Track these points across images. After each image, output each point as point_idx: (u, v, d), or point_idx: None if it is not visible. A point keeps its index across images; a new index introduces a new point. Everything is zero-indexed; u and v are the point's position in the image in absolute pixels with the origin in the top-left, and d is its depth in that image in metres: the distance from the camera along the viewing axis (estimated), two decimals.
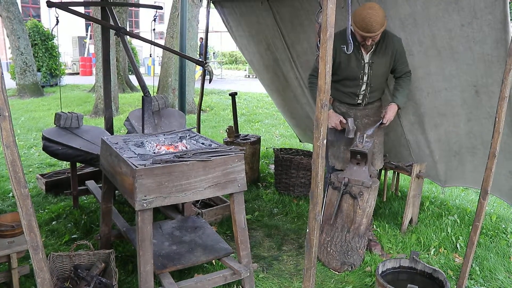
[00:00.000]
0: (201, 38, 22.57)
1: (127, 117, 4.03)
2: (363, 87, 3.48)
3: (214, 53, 27.81)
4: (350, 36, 2.02)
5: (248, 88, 15.74)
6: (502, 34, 2.90)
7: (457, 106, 3.61)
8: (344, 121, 3.46)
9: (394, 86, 3.59)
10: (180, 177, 2.37)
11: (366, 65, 3.38)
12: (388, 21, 3.43)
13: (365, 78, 3.44)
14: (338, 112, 3.56)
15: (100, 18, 4.18)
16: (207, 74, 4.36)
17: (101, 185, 3.32)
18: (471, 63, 3.24)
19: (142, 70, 21.73)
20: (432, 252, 3.59)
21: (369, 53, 3.35)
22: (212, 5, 5.27)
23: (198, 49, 21.92)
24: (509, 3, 2.82)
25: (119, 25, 3.93)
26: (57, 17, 3.78)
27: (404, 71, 3.51)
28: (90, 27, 20.25)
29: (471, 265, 3.24)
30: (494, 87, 3.16)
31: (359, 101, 3.55)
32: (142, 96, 3.42)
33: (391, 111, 3.47)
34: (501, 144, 3.29)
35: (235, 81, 20.25)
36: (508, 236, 3.90)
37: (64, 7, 3.71)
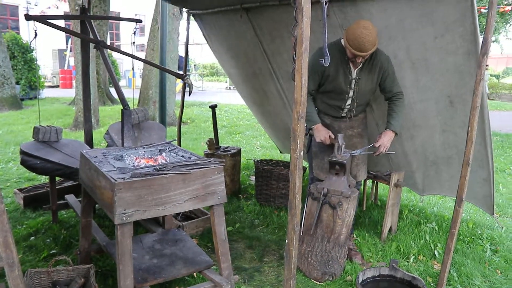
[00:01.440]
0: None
1: (107, 130, 4.01)
2: (349, 102, 3.51)
3: (195, 65, 27.85)
4: (327, 50, 2.07)
5: (229, 100, 15.79)
6: (473, 45, 2.99)
7: (432, 117, 3.69)
8: (333, 136, 3.46)
9: (388, 111, 3.56)
10: (160, 190, 2.37)
11: (353, 80, 3.40)
12: None
13: (351, 93, 3.46)
14: (322, 124, 3.59)
15: (79, 32, 4.18)
16: (187, 86, 4.38)
17: (80, 199, 3.30)
18: (445, 74, 3.32)
19: (123, 82, 21.66)
20: (411, 260, 3.64)
21: (357, 69, 3.37)
22: (192, 17, 5.30)
23: (193, 62, 21.99)
24: (478, 16, 2.91)
25: (99, 38, 3.94)
26: (35, 30, 3.76)
27: (395, 91, 3.50)
28: (70, 39, 20.13)
29: (449, 271, 3.31)
30: (468, 97, 3.23)
31: (343, 114, 3.60)
32: (122, 109, 3.41)
33: (386, 138, 3.45)
34: (475, 152, 3.38)
35: (216, 93, 20.30)
36: (484, 242, 3.98)
37: (42, 20, 3.71)
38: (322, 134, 3.46)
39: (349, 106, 3.54)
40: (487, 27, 2.55)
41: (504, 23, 23.06)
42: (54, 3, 18.78)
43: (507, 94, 22.74)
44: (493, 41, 27.95)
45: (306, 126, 3.42)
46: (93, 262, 3.25)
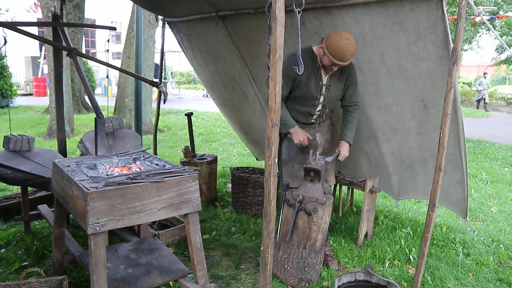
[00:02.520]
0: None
1: (81, 139, 3.96)
2: (319, 108, 3.59)
3: (172, 73, 27.74)
4: (300, 57, 2.09)
5: (206, 107, 15.76)
6: (444, 51, 3.07)
7: (407, 120, 3.77)
8: (311, 137, 3.52)
9: (343, 121, 3.70)
10: (133, 199, 2.35)
11: (323, 86, 3.48)
12: None
13: (321, 99, 3.54)
14: (284, 135, 3.64)
15: (51, 39, 4.12)
16: (162, 94, 4.36)
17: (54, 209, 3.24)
18: (418, 79, 3.40)
19: (99, 90, 21.41)
20: (386, 265, 3.68)
21: (327, 76, 3.46)
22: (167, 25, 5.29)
23: (170, 70, 21.89)
24: (448, 23, 2.98)
25: (71, 45, 3.89)
26: (5, 37, 3.70)
27: (353, 100, 3.65)
28: (44, 46, 19.81)
29: (423, 275, 3.36)
30: (441, 101, 3.29)
31: (312, 121, 3.66)
32: (95, 118, 3.38)
33: (344, 149, 3.60)
34: (449, 155, 3.46)
35: (193, 100, 20.24)
36: (456, 246, 4.05)
37: (12, 26, 3.64)
38: (300, 135, 3.49)
39: (319, 112, 3.62)
40: (456, 37, 2.62)
41: (476, 33, 23.71)
42: (27, 8, 18.50)
43: None
44: (465, 50, 28.71)
45: (282, 131, 3.51)
46: (67, 273, 3.20)
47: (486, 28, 21.83)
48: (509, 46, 21.55)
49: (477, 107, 20.68)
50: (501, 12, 19.75)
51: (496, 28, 21.79)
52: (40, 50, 22.17)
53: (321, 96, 3.52)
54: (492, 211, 5.25)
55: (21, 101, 16.30)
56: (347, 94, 3.63)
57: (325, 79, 3.47)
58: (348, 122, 3.65)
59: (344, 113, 3.71)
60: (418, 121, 3.71)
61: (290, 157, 3.68)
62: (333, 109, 3.79)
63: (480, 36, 25.23)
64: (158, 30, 10.18)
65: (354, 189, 4.28)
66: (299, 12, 1.91)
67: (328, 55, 3.22)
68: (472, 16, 10.82)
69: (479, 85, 20.73)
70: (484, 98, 20.45)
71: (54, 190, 2.91)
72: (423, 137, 3.80)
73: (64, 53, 4.08)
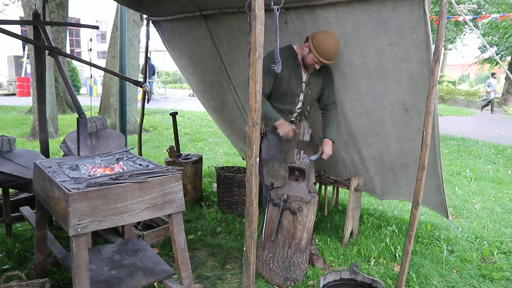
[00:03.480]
0: (149, 57, 22.34)
1: (63, 139, 3.91)
2: (299, 105, 3.63)
3: (157, 72, 27.57)
4: (278, 56, 2.09)
5: (192, 107, 15.69)
6: (425, 53, 3.07)
7: (387, 125, 3.76)
8: (296, 129, 3.51)
9: (323, 121, 3.73)
10: (116, 200, 2.32)
11: (303, 84, 3.53)
12: None
13: (301, 97, 3.58)
14: (271, 130, 3.64)
15: (32, 38, 4.06)
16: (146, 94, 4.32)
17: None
18: (399, 82, 3.40)
19: (84, 90, 21.17)
20: (372, 263, 3.70)
21: (307, 74, 3.52)
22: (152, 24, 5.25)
23: (142, 69, 21.73)
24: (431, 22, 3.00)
25: (53, 44, 3.84)
26: None
27: (331, 98, 3.72)
28: (27, 46, 19.56)
29: (408, 272, 3.39)
30: (421, 105, 3.31)
31: (292, 119, 3.69)
32: (77, 118, 3.34)
33: (328, 147, 3.62)
34: (428, 159, 3.47)
35: (179, 100, 20.14)
36: (441, 243, 4.09)
37: None
38: (285, 127, 3.50)
39: (299, 110, 3.67)
40: (438, 35, 2.64)
41: (459, 32, 23.97)
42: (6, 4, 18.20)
43: (462, 99, 23.60)
44: (450, 49, 29.02)
45: (268, 125, 3.58)
46: (49, 276, 3.15)
47: (469, 28, 22.07)
48: (491, 46, 21.85)
49: (482, 109, 19.52)
50: (483, 12, 19.99)
51: (479, 27, 22.05)
52: (23, 50, 21.86)
53: (301, 94, 3.58)
54: (475, 208, 5.31)
55: (4, 101, 16.07)
56: (325, 92, 3.69)
57: (305, 76, 3.54)
58: (329, 121, 3.68)
59: (324, 112, 3.74)
60: (398, 126, 3.70)
61: (270, 156, 3.70)
62: (309, 109, 3.82)
63: (464, 35, 25.51)
64: (143, 29, 10.12)
65: (339, 187, 4.29)
66: (278, 10, 1.91)
67: (315, 53, 3.28)
68: (454, 16, 10.94)
69: (488, 86, 19.30)
70: (490, 100, 18.89)
71: (35, 191, 2.87)
72: (404, 142, 3.80)
73: (47, 52, 4.02)
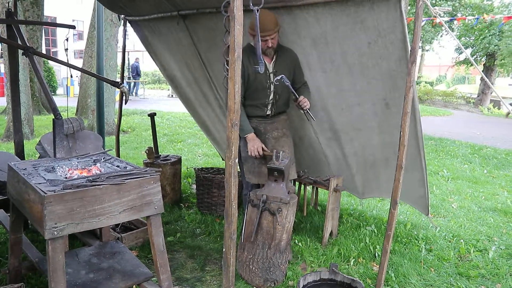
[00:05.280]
0: (137, 58, 22.20)
1: (39, 141, 3.84)
2: (271, 96, 3.66)
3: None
4: (261, 56, 2.09)
5: (171, 108, 15.59)
6: (403, 52, 3.12)
7: (369, 119, 3.81)
8: (266, 149, 3.61)
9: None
10: (93, 202, 2.28)
11: (271, 74, 3.57)
12: (300, 40, 3.58)
13: (272, 87, 3.62)
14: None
15: (6, 37, 3.97)
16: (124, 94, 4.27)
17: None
18: (379, 78, 3.45)
19: (60, 91, 20.85)
20: (352, 263, 3.71)
21: (272, 63, 3.57)
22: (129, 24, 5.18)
23: (128, 69, 21.58)
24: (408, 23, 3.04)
25: (28, 44, 3.76)
26: None
27: (302, 81, 3.80)
28: (0, 45, 19.16)
29: (387, 271, 3.42)
30: (401, 100, 3.32)
31: (268, 112, 3.71)
32: (53, 119, 3.28)
33: (305, 99, 3.62)
34: (409, 155, 3.52)
35: (158, 101, 20.00)
36: (419, 242, 4.13)
37: None
38: (254, 145, 3.57)
39: (272, 101, 3.69)
40: (414, 36, 2.67)
41: (436, 34, 24.39)
42: None
43: (440, 100, 24.00)
44: (427, 50, 29.49)
45: (240, 135, 3.53)
46: (24, 281, 3.09)
47: (445, 29, 22.47)
48: (466, 47, 22.28)
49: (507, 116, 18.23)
50: (459, 15, 20.37)
51: (455, 29, 22.47)
52: None
53: (271, 84, 3.61)
54: (453, 207, 5.39)
55: None
56: (296, 78, 3.73)
57: (270, 66, 3.57)
58: (304, 92, 3.73)
59: (297, 91, 3.73)
60: (380, 120, 3.76)
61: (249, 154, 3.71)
62: (288, 102, 3.85)
63: (441, 36, 25.95)
64: (122, 29, 10.01)
65: (318, 188, 4.30)
66: (257, 10, 1.90)
67: (252, 32, 3.38)
68: (431, 18, 11.11)
69: None
70: None
71: (9, 194, 2.80)
72: (385, 136, 3.86)
73: (21, 52, 3.94)
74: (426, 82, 32.04)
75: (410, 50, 2.73)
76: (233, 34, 1.77)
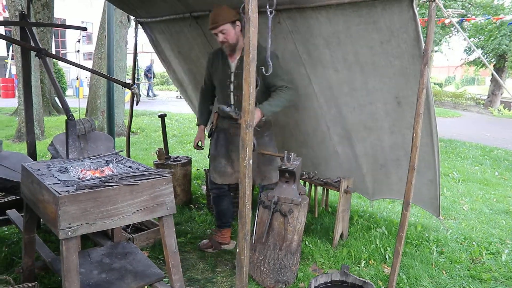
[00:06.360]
0: (152, 60, 22.42)
1: (51, 141, 3.86)
2: (232, 97, 3.60)
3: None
4: (269, 58, 2.08)
5: (180, 109, 15.62)
6: (416, 50, 3.11)
7: (381, 119, 3.79)
8: (200, 145, 3.95)
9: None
10: (106, 203, 2.30)
11: (232, 74, 3.52)
12: (313, 39, 3.56)
13: (231, 88, 3.56)
14: (220, 127, 3.75)
15: (19, 39, 4.00)
16: (135, 96, 4.29)
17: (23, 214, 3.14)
18: (392, 76, 3.43)
19: (70, 92, 20.99)
20: (362, 265, 3.70)
21: (235, 62, 3.51)
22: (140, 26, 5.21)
23: (141, 70, 21.79)
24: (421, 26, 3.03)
25: (40, 45, 3.79)
26: None
27: (277, 84, 3.42)
28: (11, 46, 19.32)
29: (398, 274, 3.39)
30: (414, 98, 3.29)
31: (233, 113, 3.55)
32: (66, 120, 3.30)
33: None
34: (422, 154, 3.50)
35: (166, 102, 20.07)
36: (430, 244, 4.11)
37: None
38: (196, 137, 3.93)
39: (233, 103, 3.61)
40: (427, 39, 2.66)
41: (445, 35, 24.26)
42: None
43: (449, 101, 23.86)
44: (436, 51, 29.32)
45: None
46: (38, 280, 3.10)
47: (455, 30, 22.34)
48: (476, 48, 22.07)
49: None
50: (468, 15, 20.25)
51: (465, 30, 22.32)
52: (8, 50, 21.61)
53: (231, 84, 3.55)
54: (464, 209, 5.35)
55: None
56: (266, 80, 3.38)
57: (233, 66, 3.52)
58: (271, 97, 3.43)
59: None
60: (392, 119, 3.74)
61: (217, 152, 3.75)
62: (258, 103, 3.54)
63: (450, 37, 25.80)
64: (131, 30, 10.06)
65: (329, 189, 4.29)
66: (271, 13, 1.91)
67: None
68: (440, 18, 11.05)
69: None
70: None
71: (23, 194, 2.82)
72: (397, 135, 3.84)
73: (33, 53, 3.97)
74: (435, 83, 31.86)
75: (423, 52, 2.72)
76: (248, 36, 1.78)
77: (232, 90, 3.56)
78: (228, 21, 3.31)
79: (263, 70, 3.29)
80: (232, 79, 3.52)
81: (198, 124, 3.98)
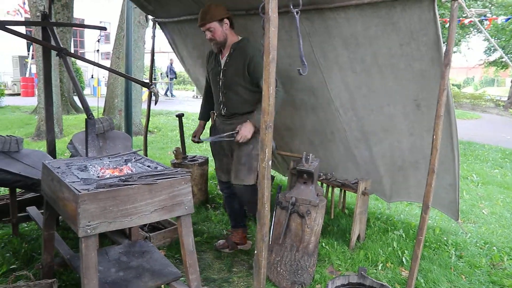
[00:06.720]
0: (171, 59, 22.68)
1: (71, 140, 3.90)
2: (220, 95, 3.57)
3: (161, 73, 27.65)
4: (303, 58, 2.07)
5: (196, 108, 15.51)
6: (436, 53, 3.07)
7: (399, 121, 3.76)
8: (195, 139, 3.97)
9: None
10: (126, 201, 2.31)
11: (221, 71, 3.51)
12: (331, 40, 3.53)
13: (220, 84, 3.55)
14: (217, 127, 3.76)
15: (41, 38, 4.06)
16: (153, 95, 4.31)
17: (43, 211, 3.18)
18: (411, 79, 3.39)
19: (87, 91, 21.22)
20: (379, 267, 3.67)
21: (224, 60, 3.50)
22: (158, 25, 5.24)
23: (158, 70, 21.98)
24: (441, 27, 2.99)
25: (61, 45, 3.84)
26: None
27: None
28: (32, 46, 19.62)
29: (416, 277, 3.34)
30: (433, 101, 3.25)
31: (223, 112, 3.61)
32: (86, 119, 3.33)
33: (245, 129, 3.35)
34: (442, 157, 3.45)
35: (183, 101, 20.17)
36: (449, 248, 4.05)
37: (1, 26, 3.58)
38: (194, 131, 4.01)
39: (222, 100, 3.57)
40: (449, 39, 2.61)
41: (464, 35, 23.93)
42: (15, 8, 18.33)
43: (467, 103, 23.53)
44: (455, 52, 28.96)
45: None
46: (56, 276, 3.14)
47: (476, 30, 22.04)
48: (496, 49, 21.77)
49: None
50: (489, 15, 19.94)
51: (486, 30, 21.98)
52: (28, 50, 21.96)
53: (220, 81, 3.54)
54: (483, 213, 5.27)
55: (9, 101, 16.10)
56: (253, 77, 3.37)
57: (222, 63, 3.51)
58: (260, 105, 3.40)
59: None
60: (410, 122, 3.70)
61: (217, 151, 3.80)
62: (246, 104, 3.53)
63: (470, 37, 25.45)
64: (148, 30, 10.12)
65: (346, 191, 4.26)
66: (297, 13, 1.89)
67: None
68: (460, 19, 10.90)
69: None
70: None
71: (44, 192, 2.86)
72: (415, 138, 3.80)
73: (53, 53, 4.02)
74: (453, 85, 31.48)
75: (444, 53, 2.68)
76: (268, 36, 1.77)
77: (220, 86, 3.54)
78: (215, 19, 3.33)
79: (252, 66, 3.35)
80: (221, 76, 3.52)
81: (199, 119, 4.10)
